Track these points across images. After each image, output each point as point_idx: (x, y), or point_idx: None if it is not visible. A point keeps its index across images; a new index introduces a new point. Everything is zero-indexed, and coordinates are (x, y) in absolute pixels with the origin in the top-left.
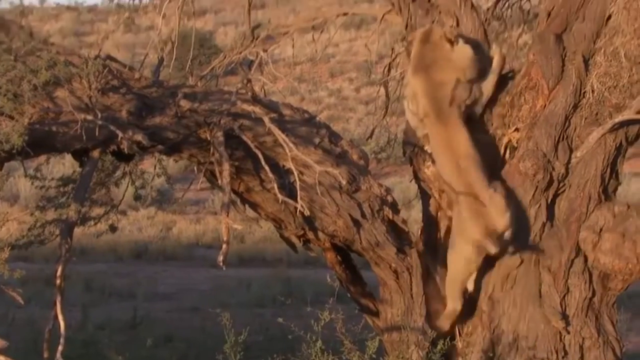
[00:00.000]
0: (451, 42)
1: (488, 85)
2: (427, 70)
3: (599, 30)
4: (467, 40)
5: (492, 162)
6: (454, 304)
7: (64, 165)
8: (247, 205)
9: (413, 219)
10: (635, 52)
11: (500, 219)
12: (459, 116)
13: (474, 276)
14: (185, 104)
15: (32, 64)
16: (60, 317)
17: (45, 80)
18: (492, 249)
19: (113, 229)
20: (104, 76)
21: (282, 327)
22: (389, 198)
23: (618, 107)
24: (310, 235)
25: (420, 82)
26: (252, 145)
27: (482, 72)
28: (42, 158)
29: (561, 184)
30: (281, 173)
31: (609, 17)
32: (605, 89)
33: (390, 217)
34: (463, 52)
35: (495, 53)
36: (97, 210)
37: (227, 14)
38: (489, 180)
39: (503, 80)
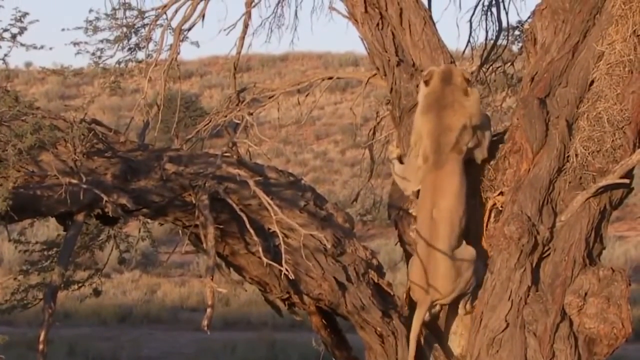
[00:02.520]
0: (469, 82)
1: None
2: (439, 111)
3: (582, 95)
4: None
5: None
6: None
7: (48, 228)
8: (231, 269)
9: (399, 281)
10: (618, 117)
11: (446, 285)
12: (456, 162)
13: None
14: (170, 167)
15: (17, 129)
16: None
17: (31, 144)
18: (421, 311)
19: (97, 292)
20: (89, 140)
21: None
22: (374, 261)
23: (602, 171)
24: (295, 298)
25: (428, 122)
26: (237, 208)
27: (484, 118)
28: (26, 222)
29: (546, 248)
30: (266, 236)
31: (592, 82)
32: (589, 154)
33: (376, 280)
34: (474, 95)
35: None
36: (81, 274)
37: (212, 77)
38: (459, 243)
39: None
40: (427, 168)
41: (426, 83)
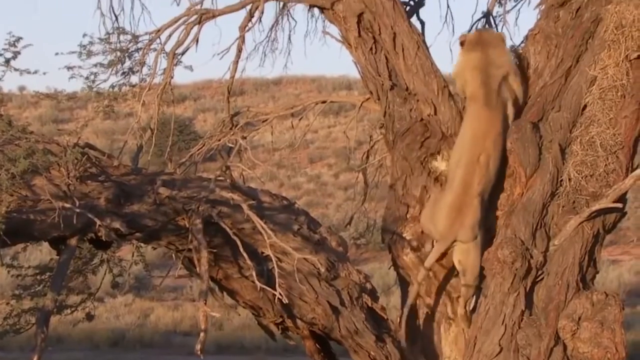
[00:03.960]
0: (504, 42)
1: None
2: (485, 47)
3: (575, 119)
4: None
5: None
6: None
7: (41, 252)
8: (225, 293)
9: (392, 305)
10: (611, 142)
11: (470, 226)
12: (501, 111)
13: None
14: (163, 192)
15: (10, 153)
16: None
17: (24, 168)
18: (441, 246)
19: (90, 317)
20: (82, 164)
21: None
22: (368, 285)
23: (595, 195)
24: (289, 322)
25: (471, 59)
26: (230, 232)
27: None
28: (19, 246)
29: (539, 272)
30: (260, 260)
31: (585, 106)
32: (582, 178)
33: (369, 304)
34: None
35: None
36: (74, 298)
37: (206, 100)
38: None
39: None
40: (475, 107)
41: (462, 43)
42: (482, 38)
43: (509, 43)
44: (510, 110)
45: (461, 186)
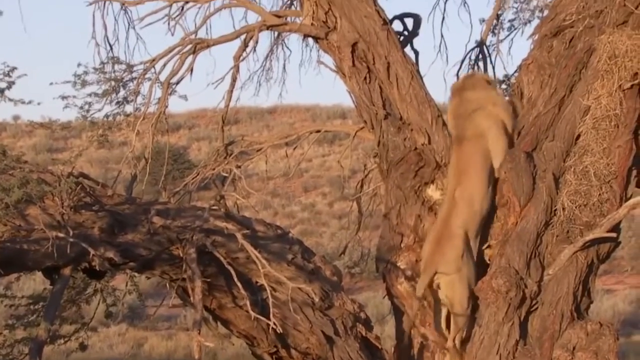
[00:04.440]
0: (488, 83)
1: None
2: (462, 92)
3: (568, 149)
4: None
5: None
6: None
7: (35, 281)
8: (219, 322)
9: (387, 334)
10: (605, 171)
11: (450, 260)
12: (478, 143)
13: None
14: (157, 221)
15: (4, 183)
16: None
17: (18, 198)
18: (425, 277)
19: (83, 347)
20: (76, 193)
21: None
22: (362, 314)
23: (589, 225)
24: (283, 352)
25: (453, 104)
26: (224, 262)
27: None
28: (13, 275)
29: (534, 302)
30: (254, 289)
31: (578, 136)
32: (576, 207)
33: (364, 333)
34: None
35: None
36: (67, 328)
37: (200, 129)
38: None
39: None
40: (452, 146)
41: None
42: (462, 85)
43: (501, 73)
44: (495, 136)
45: (441, 219)
